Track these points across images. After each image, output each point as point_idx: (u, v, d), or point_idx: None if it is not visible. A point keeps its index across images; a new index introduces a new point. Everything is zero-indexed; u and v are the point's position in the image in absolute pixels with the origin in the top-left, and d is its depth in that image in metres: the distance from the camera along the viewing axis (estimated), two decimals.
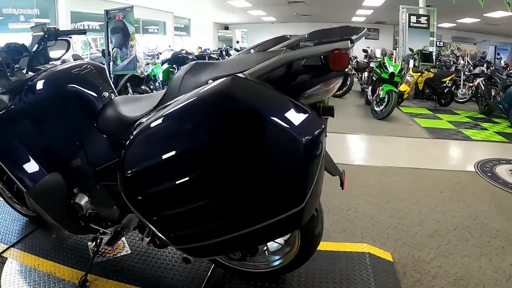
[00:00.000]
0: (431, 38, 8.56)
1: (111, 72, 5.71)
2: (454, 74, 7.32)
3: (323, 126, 0.98)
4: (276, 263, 1.56)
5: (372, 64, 7.49)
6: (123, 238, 1.95)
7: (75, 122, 1.46)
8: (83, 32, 2.04)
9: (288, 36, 1.32)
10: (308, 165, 0.95)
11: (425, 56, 7.71)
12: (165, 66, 6.99)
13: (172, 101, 1.06)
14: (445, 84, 7.05)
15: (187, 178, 0.97)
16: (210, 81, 1.03)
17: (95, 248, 1.65)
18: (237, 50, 10.72)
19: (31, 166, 1.47)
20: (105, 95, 1.51)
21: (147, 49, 10.74)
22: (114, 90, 1.59)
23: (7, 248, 1.88)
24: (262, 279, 1.63)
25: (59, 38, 1.78)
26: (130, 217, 1.40)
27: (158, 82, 6.95)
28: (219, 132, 0.96)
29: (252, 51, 1.32)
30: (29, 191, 1.47)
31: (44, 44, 1.72)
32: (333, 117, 1.16)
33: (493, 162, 3.73)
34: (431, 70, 7.11)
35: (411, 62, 7.40)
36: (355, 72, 9.32)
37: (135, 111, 1.30)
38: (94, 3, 8.97)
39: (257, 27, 17.53)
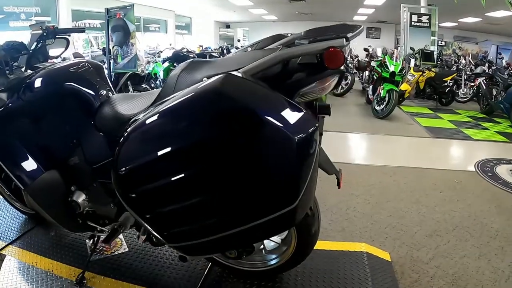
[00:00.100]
0: (432, 37, 8.52)
1: (111, 70, 5.72)
2: (456, 74, 7.30)
3: (316, 125, 0.97)
4: (273, 262, 1.56)
5: (373, 63, 7.48)
6: (121, 236, 1.95)
7: (72, 120, 1.47)
8: (82, 30, 2.04)
9: (288, 34, 1.32)
10: (301, 163, 0.95)
11: (426, 55, 7.69)
12: (166, 64, 6.97)
13: (165, 99, 1.06)
14: (446, 84, 7.03)
15: (179, 176, 0.97)
16: (205, 79, 1.03)
17: (93, 246, 1.65)
18: (238, 49, 10.70)
19: (29, 164, 1.47)
20: (102, 93, 1.51)
21: (148, 48, 10.73)
22: (112, 88, 1.59)
23: (6, 246, 1.89)
24: (259, 278, 1.63)
25: (57, 36, 1.78)
26: (127, 215, 1.40)
27: (159, 81, 6.95)
28: (211, 130, 0.95)
29: (249, 49, 1.32)
30: (27, 189, 1.47)
31: (43, 42, 1.72)
32: (329, 115, 1.16)
33: (493, 162, 3.72)
34: (432, 69, 7.09)
35: (412, 61, 7.38)
36: (356, 71, 9.30)
37: (132, 109, 1.30)
38: (95, 1, 8.96)
39: (258, 25, 17.51)
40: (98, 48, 9.61)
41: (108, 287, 1.59)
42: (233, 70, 1.02)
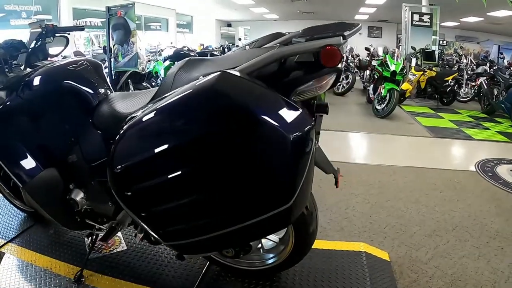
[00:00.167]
0: (434, 37, 8.50)
1: (112, 69, 5.72)
2: (457, 73, 7.29)
3: (312, 123, 0.96)
4: (271, 261, 1.56)
5: (374, 63, 7.46)
6: (120, 234, 1.95)
7: (70, 118, 1.47)
8: (81, 28, 2.05)
9: (287, 33, 1.31)
10: (296, 162, 0.94)
11: (427, 55, 7.67)
12: (167, 63, 6.96)
13: (161, 97, 1.06)
14: (447, 83, 7.01)
15: (173, 174, 0.97)
16: (201, 77, 1.03)
17: (91, 244, 1.65)
18: (237, 47, 10.70)
19: (27, 162, 1.48)
20: (100, 91, 1.51)
21: (149, 46, 10.73)
22: (110, 86, 1.59)
23: (5, 243, 1.89)
24: (257, 277, 1.63)
25: (57, 34, 1.78)
26: (125, 213, 1.40)
27: (160, 79, 6.94)
28: (205, 128, 0.95)
29: (247, 47, 1.31)
30: (25, 187, 1.47)
31: (42, 40, 1.72)
32: (327, 114, 1.15)
33: (494, 161, 3.71)
34: (434, 68, 7.07)
35: (413, 61, 7.37)
36: (357, 70, 9.29)
37: (130, 107, 1.29)
38: (96, 0, 8.96)
39: (259, 24, 17.47)
40: (99, 46, 9.63)
41: (106, 285, 1.59)
42: (229, 68, 1.02)
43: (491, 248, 2.06)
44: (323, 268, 1.73)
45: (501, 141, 4.79)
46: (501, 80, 6.27)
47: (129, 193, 1.03)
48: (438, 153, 4.25)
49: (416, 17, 8.49)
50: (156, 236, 1.10)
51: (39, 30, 1.70)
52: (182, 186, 0.99)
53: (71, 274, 1.64)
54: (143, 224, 1.08)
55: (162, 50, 8.78)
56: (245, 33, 18.79)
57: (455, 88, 7.24)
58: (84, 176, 1.45)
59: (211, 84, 0.96)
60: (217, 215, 1.02)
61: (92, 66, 1.59)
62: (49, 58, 1.80)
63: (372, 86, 6.88)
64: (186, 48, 8.06)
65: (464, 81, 7.46)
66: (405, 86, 6.68)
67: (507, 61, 11.56)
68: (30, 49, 1.69)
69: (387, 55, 6.67)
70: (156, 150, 0.97)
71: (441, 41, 9.29)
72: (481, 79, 6.71)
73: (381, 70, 6.26)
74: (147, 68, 6.67)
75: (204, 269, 1.68)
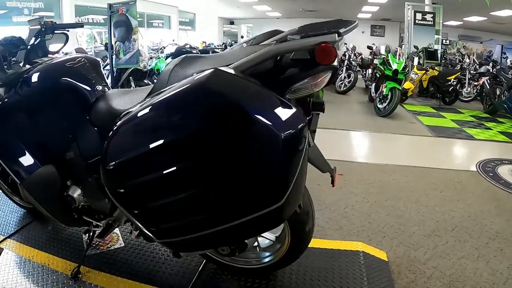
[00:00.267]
0: (436, 36, 8.45)
1: (114, 66, 5.72)
2: (459, 73, 7.25)
3: (305, 121, 0.95)
4: (267, 259, 1.55)
5: (376, 61, 7.43)
6: (118, 231, 1.95)
7: (68, 115, 1.47)
8: (80, 25, 2.05)
9: (287, 31, 1.31)
10: (287, 160, 0.94)
11: (430, 54, 7.63)
12: (169, 60, 6.97)
13: (154, 94, 1.06)
14: (450, 83, 6.98)
15: (165, 172, 0.97)
16: (195, 74, 1.02)
17: (88, 241, 1.65)
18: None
19: (25, 158, 1.48)
20: (98, 88, 1.51)
21: (152, 43, 10.74)
22: (108, 83, 1.59)
23: (4, 239, 1.90)
24: (253, 275, 1.63)
25: (56, 31, 1.78)
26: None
27: None
28: (196, 126, 0.95)
29: (244, 45, 1.30)
30: (23, 183, 1.48)
31: (42, 37, 1.72)
32: (323, 112, 1.14)
33: (495, 162, 3.69)
34: (436, 68, 7.04)
35: (416, 60, 7.33)
36: (359, 69, 9.26)
37: (126, 104, 1.29)
38: None
39: (262, 22, 17.43)
40: (101, 43, 9.63)
41: (103, 282, 1.59)
42: (224, 66, 1.01)
43: (491, 249, 2.05)
44: (320, 267, 1.72)
45: (503, 141, 4.77)
46: (503, 80, 6.23)
47: (122, 190, 1.03)
48: (439, 152, 4.24)
49: (419, 16, 8.44)
50: (149, 233, 1.10)
51: (38, 27, 1.70)
52: (174, 183, 0.98)
53: (68, 270, 1.64)
54: (136, 221, 1.08)
55: (164, 48, 8.77)
56: (248, 30, 18.73)
57: (457, 87, 7.21)
58: (81, 173, 1.45)
59: (202, 82, 0.95)
60: (209, 212, 1.02)
61: (90, 63, 1.59)
62: (49, 55, 1.80)
63: (374, 84, 6.86)
64: (188, 46, 8.05)
65: (467, 81, 7.42)
66: (407, 85, 6.65)
67: (510, 61, 11.45)
68: (29, 46, 1.69)
69: (389, 54, 6.65)
70: (147, 148, 0.97)
71: (444, 40, 9.24)
72: (484, 79, 6.67)
73: (383, 68, 6.23)
74: (149, 66, 6.67)
75: (201, 267, 1.68)
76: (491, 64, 8.57)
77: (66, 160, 1.48)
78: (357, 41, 11.85)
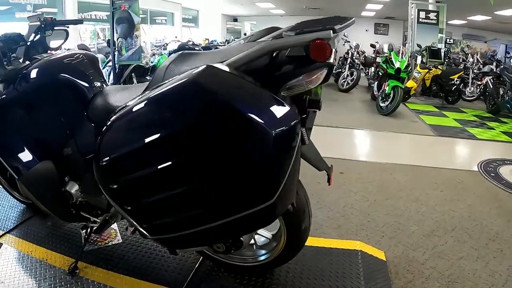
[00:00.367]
0: (440, 35, 8.40)
1: (116, 62, 5.73)
2: (463, 72, 7.20)
3: (297, 119, 0.95)
4: (263, 257, 1.55)
5: (378, 59, 7.39)
6: (116, 227, 1.96)
7: (66, 111, 1.48)
8: (79, 22, 2.05)
9: (284, 28, 1.30)
10: (279, 158, 0.93)
11: (433, 53, 7.58)
12: None
13: (147, 91, 1.05)
14: (453, 82, 6.93)
15: (157, 168, 0.97)
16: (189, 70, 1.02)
17: (86, 236, 1.66)
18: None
19: (23, 154, 1.48)
20: (96, 84, 1.52)
21: (155, 40, 10.74)
22: (106, 80, 1.59)
23: (3, 234, 1.91)
24: (249, 273, 1.63)
25: (56, 28, 1.78)
26: None
27: None
28: (186, 122, 0.94)
29: (242, 41, 1.30)
30: (21, 178, 1.49)
31: (41, 33, 1.73)
32: (319, 110, 1.13)
33: (497, 162, 3.66)
34: (439, 67, 6.99)
35: (419, 58, 7.29)
36: (362, 67, 9.22)
37: (123, 101, 1.29)
38: None
39: (266, 19, 17.36)
40: (104, 39, 9.64)
41: (100, 278, 1.60)
42: (218, 62, 1.01)
43: (490, 250, 2.03)
44: (317, 266, 1.72)
45: (506, 141, 4.73)
46: (507, 79, 6.18)
47: (114, 186, 1.03)
48: (440, 152, 4.21)
49: (422, 14, 8.38)
50: (141, 230, 1.10)
51: (38, 23, 1.70)
52: (165, 180, 0.98)
53: (66, 265, 1.65)
54: (129, 218, 1.09)
55: (167, 44, 8.77)
56: (251, 28, 18.70)
57: (460, 87, 7.16)
58: (79, 168, 1.46)
59: (193, 78, 0.95)
60: (200, 209, 1.02)
61: (88, 60, 1.59)
62: (49, 51, 1.80)
63: (376, 83, 6.83)
64: (191, 43, 8.05)
65: (470, 80, 7.36)
66: (410, 83, 6.62)
67: None
68: (28, 42, 1.70)
69: (392, 52, 6.61)
70: (139, 144, 0.97)
71: (448, 39, 9.18)
72: (487, 78, 6.62)
73: (385, 67, 6.20)
74: (151, 62, 6.67)
75: (197, 263, 1.69)
76: (494, 63, 8.50)
77: (64, 156, 1.48)
78: (360, 39, 11.81)
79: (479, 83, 7.17)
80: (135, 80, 5.86)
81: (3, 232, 1.92)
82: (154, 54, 7.31)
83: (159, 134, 0.96)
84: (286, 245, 1.42)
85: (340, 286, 1.60)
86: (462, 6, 9.24)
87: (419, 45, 7.88)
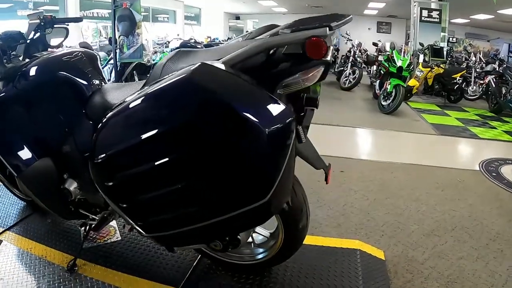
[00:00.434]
0: (442, 33, 8.35)
1: (117, 60, 5.73)
2: (465, 71, 7.18)
3: (292, 117, 0.94)
4: (261, 256, 1.55)
5: (380, 58, 7.37)
6: (115, 225, 1.96)
7: (65, 109, 1.48)
8: (79, 19, 2.05)
9: (282, 25, 1.29)
10: (272, 156, 0.93)
11: (435, 51, 7.55)
12: None
13: (142, 89, 1.05)
14: (455, 81, 6.91)
15: (151, 166, 0.97)
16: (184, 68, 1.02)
17: (85, 234, 1.66)
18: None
19: (22, 152, 1.49)
20: (94, 82, 1.52)
21: (157, 38, 10.75)
22: (105, 77, 1.59)
23: (3, 231, 1.91)
24: (247, 271, 1.63)
25: (56, 25, 1.78)
26: None
27: None
28: (179, 120, 0.94)
29: (240, 39, 1.29)
30: (20, 176, 1.49)
31: (41, 31, 1.73)
32: (317, 108, 1.13)
33: (499, 161, 3.64)
34: (441, 65, 6.96)
35: (421, 57, 7.26)
36: (364, 66, 9.19)
37: (120, 98, 1.29)
38: None
39: (268, 17, 17.31)
40: (105, 37, 9.65)
41: (98, 275, 1.60)
42: (215, 60, 1.00)
43: (490, 250, 2.02)
44: (315, 265, 1.71)
45: (508, 140, 4.71)
46: (509, 78, 6.15)
47: (110, 184, 1.03)
48: (442, 151, 4.20)
49: (425, 12, 8.34)
50: (136, 227, 1.10)
51: (38, 21, 1.71)
52: (159, 177, 0.98)
53: (65, 263, 1.66)
54: (124, 215, 1.09)
55: (169, 42, 8.78)
56: (254, 26, 18.64)
57: (463, 85, 7.13)
58: (77, 166, 1.46)
59: (187, 76, 0.95)
60: (194, 207, 1.02)
61: (87, 58, 1.60)
62: (50, 49, 1.80)
63: (378, 81, 6.81)
64: (193, 40, 8.04)
65: (472, 79, 7.34)
66: (412, 82, 6.59)
67: None
68: (28, 40, 1.70)
69: (394, 51, 6.59)
70: (133, 141, 0.97)
71: (450, 38, 9.13)
72: (490, 77, 6.59)
73: (387, 65, 6.18)
74: (153, 60, 6.67)
75: (196, 261, 1.69)
76: (497, 62, 8.46)
77: (63, 153, 1.48)
78: (363, 38, 11.78)
79: (482, 82, 7.14)
80: (136, 78, 5.86)
81: (3, 229, 1.93)
82: (156, 52, 7.32)
83: (152, 132, 0.95)
84: (284, 243, 1.42)
85: (339, 285, 1.60)
86: (464, 5, 9.18)
87: (421, 44, 7.85)
